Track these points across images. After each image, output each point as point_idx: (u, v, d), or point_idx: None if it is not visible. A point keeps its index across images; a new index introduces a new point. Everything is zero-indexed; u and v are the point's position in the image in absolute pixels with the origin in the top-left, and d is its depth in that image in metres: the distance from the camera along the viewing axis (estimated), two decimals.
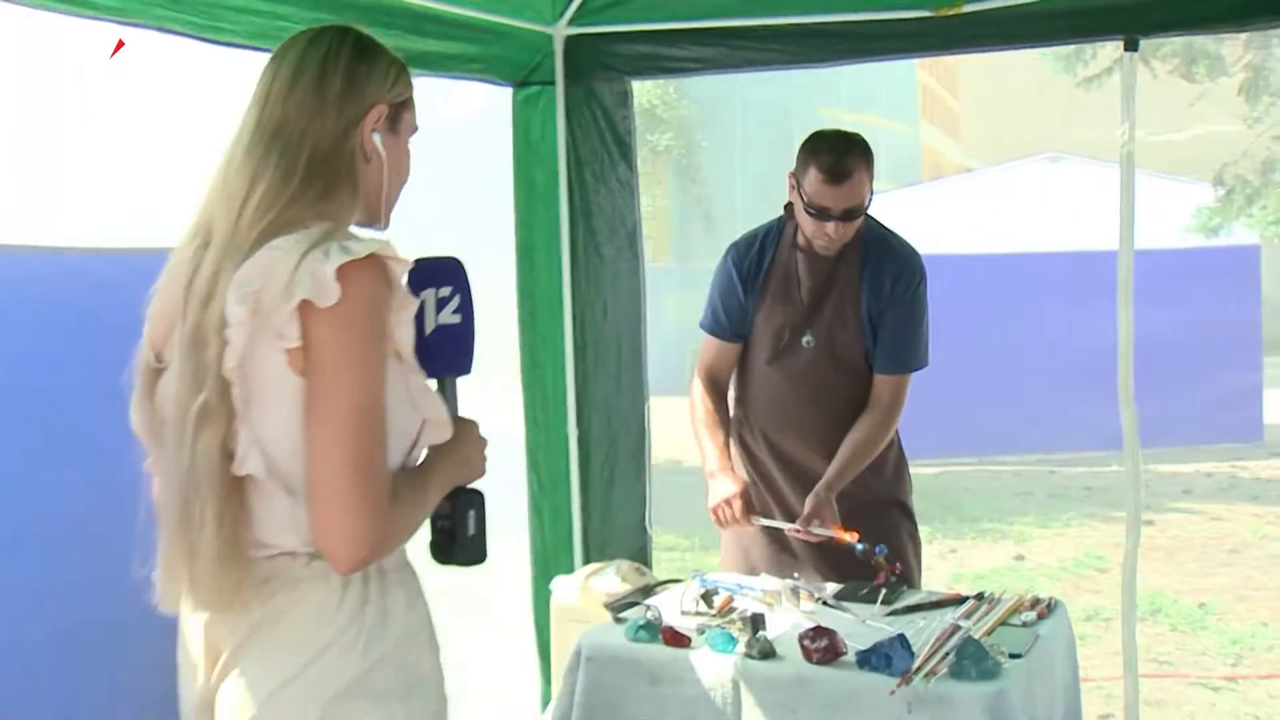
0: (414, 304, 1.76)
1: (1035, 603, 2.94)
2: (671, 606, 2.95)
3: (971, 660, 2.51)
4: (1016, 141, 17.13)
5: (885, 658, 2.54)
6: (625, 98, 4.10)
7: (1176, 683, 4.90)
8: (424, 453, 1.83)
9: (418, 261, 1.81)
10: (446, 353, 1.89)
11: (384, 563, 1.76)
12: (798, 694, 2.58)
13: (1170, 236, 10.05)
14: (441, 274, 1.90)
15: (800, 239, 3.27)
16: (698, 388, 3.40)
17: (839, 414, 3.29)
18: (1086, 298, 10.72)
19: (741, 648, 2.67)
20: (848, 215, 3.12)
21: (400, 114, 1.84)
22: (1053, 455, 10.46)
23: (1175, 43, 11.23)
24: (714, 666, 2.66)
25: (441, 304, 1.88)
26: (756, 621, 2.74)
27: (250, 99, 1.78)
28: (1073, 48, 11.85)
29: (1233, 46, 12.60)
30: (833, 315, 3.28)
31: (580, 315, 4.15)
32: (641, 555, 4.19)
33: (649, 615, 2.82)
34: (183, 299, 1.71)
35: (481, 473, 1.91)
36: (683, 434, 4.13)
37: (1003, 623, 2.83)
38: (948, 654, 2.58)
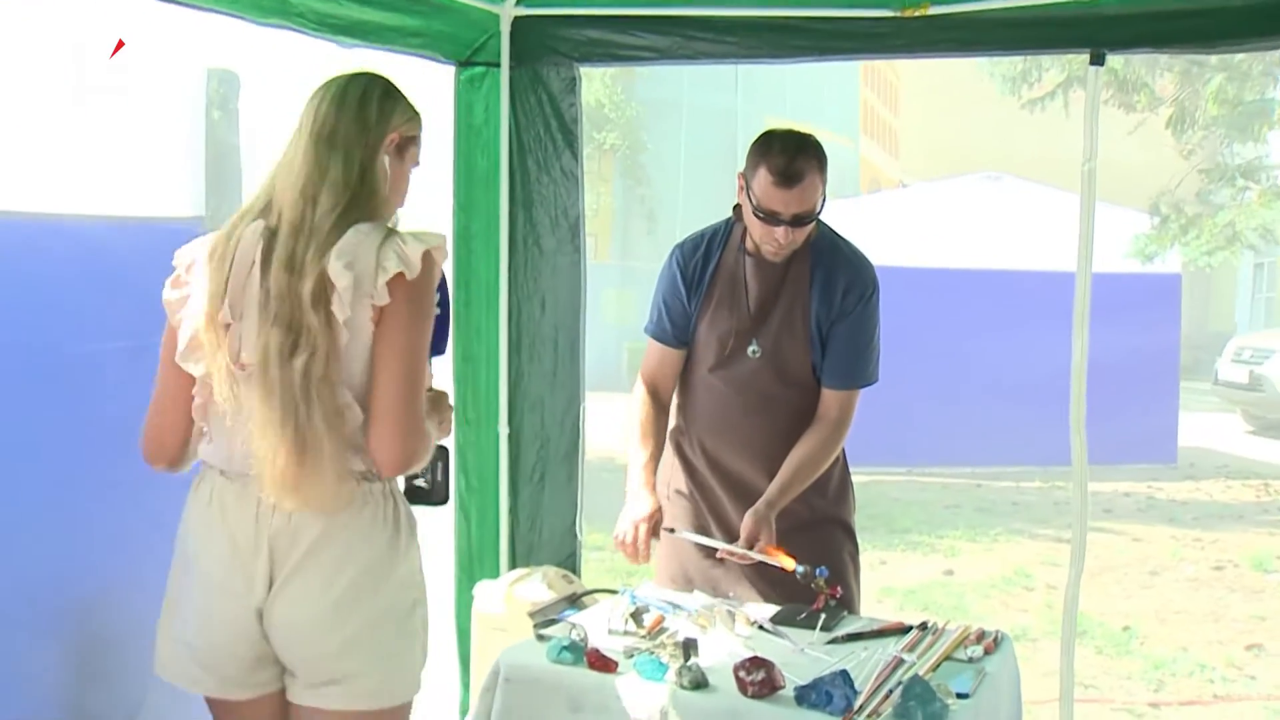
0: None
1: (981, 636, 2.72)
2: (598, 624, 2.68)
3: (918, 701, 2.28)
4: (955, 160, 17.08)
5: (826, 695, 2.30)
6: (573, 84, 3.83)
7: (1102, 708, 4.73)
8: None
9: None
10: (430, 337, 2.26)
11: (392, 486, 2.20)
12: None
13: (1109, 262, 10.00)
14: None
15: (749, 243, 3.01)
16: (637, 397, 3.14)
17: (783, 427, 3.04)
18: (1021, 316, 10.66)
19: (672, 676, 2.41)
20: (798, 221, 2.86)
21: (407, 145, 2.22)
22: (980, 469, 10.35)
23: (1116, 70, 11.19)
24: (641, 695, 2.40)
25: None
26: (689, 647, 2.49)
27: (300, 118, 2.16)
28: (1020, 69, 11.76)
29: (1163, 82, 12.60)
30: (780, 324, 3.02)
31: (516, 309, 3.87)
32: (570, 562, 3.92)
33: (574, 635, 2.55)
34: (258, 267, 2.10)
35: (449, 432, 2.32)
36: (616, 430, 3.93)
37: (947, 657, 2.60)
38: (890, 692, 2.35)
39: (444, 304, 2.29)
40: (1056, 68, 11.89)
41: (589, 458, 4.06)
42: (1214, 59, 11.13)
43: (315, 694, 2.18)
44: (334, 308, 2.04)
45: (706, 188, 21.86)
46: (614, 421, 5.32)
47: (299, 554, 2.11)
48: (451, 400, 2.37)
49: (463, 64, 3.74)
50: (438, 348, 2.31)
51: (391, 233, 2.11)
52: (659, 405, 3.13)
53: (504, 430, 3.89)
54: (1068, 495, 9.79)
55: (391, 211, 2.21)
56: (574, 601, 3.44)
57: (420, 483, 2.35)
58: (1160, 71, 11.71)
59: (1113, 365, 9.97)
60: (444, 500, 2.40)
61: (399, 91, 2.23)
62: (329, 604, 2.11)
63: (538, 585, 3.64)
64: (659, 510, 3.00)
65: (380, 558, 2.15)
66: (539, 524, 3.96)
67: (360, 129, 2.14)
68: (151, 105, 2.52)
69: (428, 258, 2.10)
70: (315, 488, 2.05)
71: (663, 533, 3.14)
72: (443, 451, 2.37)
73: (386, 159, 2.16)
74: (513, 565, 3.89)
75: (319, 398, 2.04)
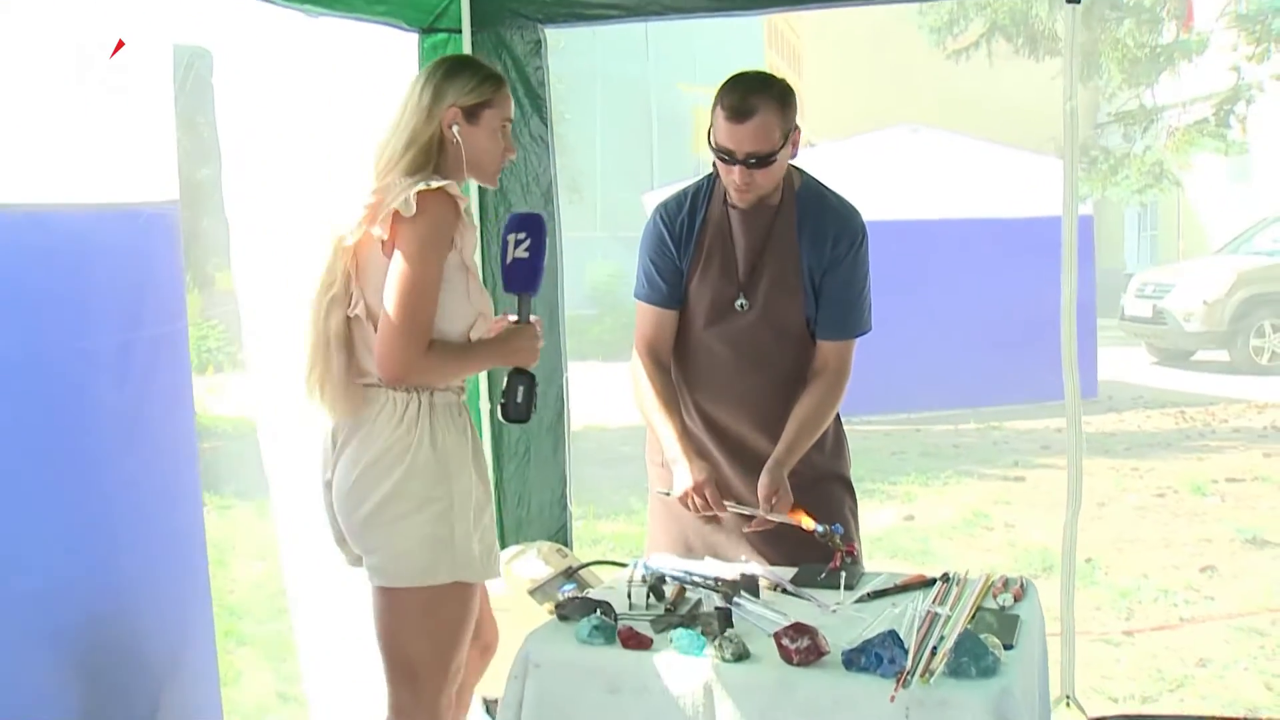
0: (475, 230, 2.57)
1: (1006, 583, 2.62)
2: (617, 600, 2.52)
3: (971, 657, 2.16)
4: (866, 117, 17.02)
5: (876, 657, 2.17)
6: (538, 47, 3.64)
7: (1079, 640, 4.67)
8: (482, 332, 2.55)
9: (511, 213, 2.65)
10: (519, 276, 2.58)
11: (435, 399, 2.51)
12: (779, 700, 2.19)
13: (1027, 206, 9.98)
14: (520, 223, 2.59)
15: (729, 196, 2.86)
16: (641, 367, 2.96)
17: (778, 384, 2.91)
18: (943, 264, 10.65)
19: (711, 649, 2.26)
20: (753, 160, 2.70)
21: (477, 111, 2.52)
22: (915, 414, 10.36)
23: (1024, 22, 11.23)
24: (681, 671, 2.25)
25: (519, 244, 2.55)
26: (724, 617, 2.34)
27: None
28: (946, 19, 11.73)
29: (1067, 31, 12.59)
30: (771, 278, 2.88)
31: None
32: (561, 535, 3.77)
33: (601, 614, 2.39)
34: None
35: (529, 361, 2.62)
36: (577, 397, 3.80)
37: (979, 607, 2.50)
38: (936, 649, 2.23)
39: (533, 248, 2.54)
40: (981, 18, 11.86)
41: None
42: (1129, 1, 11.20)
43: (365, 569, 2.56)
44: (349, 235, 2.43)
45: (623, 155, 21.70)
46: (571, 391, 5.19)
47: (340, 444, 2.52)
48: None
49: (425, 31, 3.53)
50: (529, 287, 2.59)
51: (415, 184, 2.39)
52: (664, 372, 2.96)
53: (485, 406, 3.71)
54: (1005, 435, 9.88)
55: (474, 172, 2.55)
56: (571, 575, 3.28)
57: (501, 403, 2.63)
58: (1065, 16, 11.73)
59: (1038, 306, 10.03)
60: (522, 419, 2.63)
61: (467, 66, 2.55)
62: (352, 483, 2.48)
63: (533, 561, 3.49)
64: (711, 476, 2.82)
65: (390, 450, 2.46)
66: (527, 499, 3.80)
67: (416, 107, 2.49)
68: (119, 86, 2.28)
69: (425, 198, 2.37)
70: (328, 393, 2.48)
71: (657, 497, 2.99)
72: (523, 377, 2.62)
73: (456, 129, 2.49)
74: (503, 543, 3.72)
75: (332, 321, 2.45)
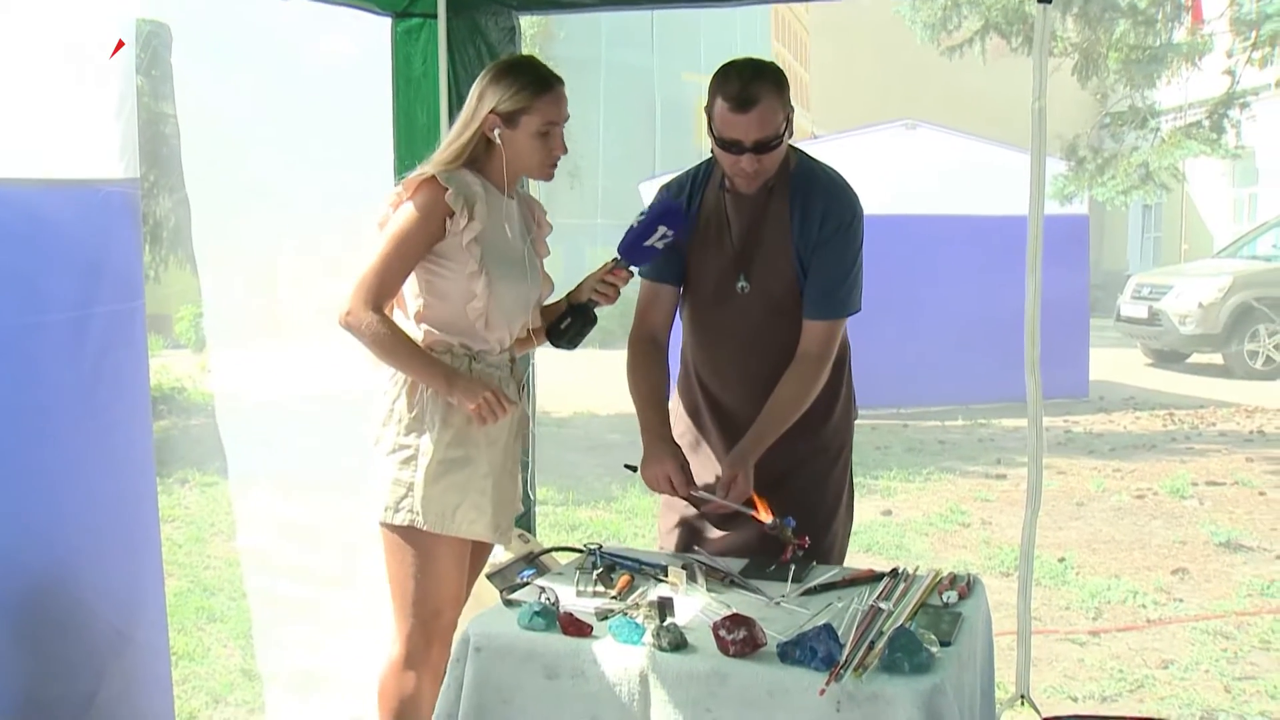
0: (474, 222, 2.69)
1: (954, 580, 2.64)
2: (566, 586, 2.54)
3: (904, 653, 2.18)
4: (868, 110, 16.95)
5: (810, 650, 2.19)
6: (512, 34, 3.64)
7: (1045, 639, 4.71)
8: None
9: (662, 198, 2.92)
10: (622, 240, 2.79)
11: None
12: (713, 690, 2.21)
13: (1023, 205, 9.94)
14: (655, 209, 2.80)
15: (728, 180, 2.87)
16: (631, 349, 3.00)
17: (778, 362, 2.91)
18: (939, 260, 10.66)
19: (649, 637, 2.28)
20: (760, 147, 2.73)
21: (516, 117, 2.70)
22: (904, 409, 10.36)
23: (1021, 20, 11.19)
24: (619, 659, 2.28)
25: (639, 219, 2.79)
26: (664, 607, 2.35)
27: None
28: (940, 15, 11.68)
29: (1069, 31, 12.56)
30: (765, 258, 2.90)
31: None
32: (524, 521, 3.76)
33: (544, 600, 2.41)
34: None
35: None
36: (556, 385, 3.80)
37: (924, 603, 2.51)
38: (874, 644, 2.24)
39: (638, 228, 2.74)
40: (975, 15, 11.81)
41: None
42: (1124, 3, 11.13)
43: None
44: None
45: (626, 143, 21.68)
46: (551, 377, 5.22)
47: None
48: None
49: (399, 15, 3.52)
50: (621, 248, 2.77)
51: (434, 170, 2.66)
52: (655, 350, 3.00)
53: None
54: (992, 432, 9.87)
55: (519, 171, 2.76)
56: (531, 560, 3.30)
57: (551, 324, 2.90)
58: (1067, 19, 11.68)
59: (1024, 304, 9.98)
60: (560, 345, 2.89)
61: (510, 72, 2.71)
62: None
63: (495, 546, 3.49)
64: (679, 465, 2.87)
65: (383, 396, 2.76)
66: None
67: (467, 107, 2.73)
68: (78, 60, 2.28)
69: (414, 184, 2.65)
70: None
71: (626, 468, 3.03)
72: (583, 311, 2.86)
73: (497, 132, 2.69)
74: None
75: None
